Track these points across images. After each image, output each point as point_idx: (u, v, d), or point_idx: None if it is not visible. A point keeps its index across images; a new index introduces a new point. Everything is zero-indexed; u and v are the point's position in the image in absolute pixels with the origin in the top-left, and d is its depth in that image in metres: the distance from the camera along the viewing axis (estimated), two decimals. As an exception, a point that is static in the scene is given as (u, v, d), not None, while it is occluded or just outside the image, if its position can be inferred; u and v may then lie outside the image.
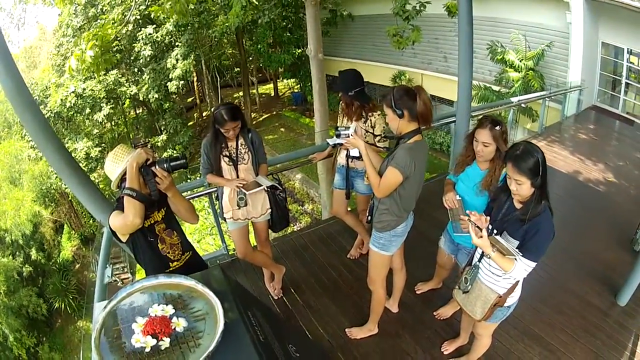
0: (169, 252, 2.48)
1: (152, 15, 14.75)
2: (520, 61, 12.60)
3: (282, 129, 22.49)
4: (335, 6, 18.69)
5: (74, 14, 19.32)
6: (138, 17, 17.64)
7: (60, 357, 16.73)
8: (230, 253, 4.67)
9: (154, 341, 1.47)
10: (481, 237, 2.20)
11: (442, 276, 3.75)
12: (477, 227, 2.23)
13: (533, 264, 2.18)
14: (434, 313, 3.59)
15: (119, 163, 2.28)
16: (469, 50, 4.81)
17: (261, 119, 25.20)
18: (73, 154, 17.73)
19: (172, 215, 2.57)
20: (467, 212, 2.31)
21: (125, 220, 2.17)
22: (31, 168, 19.02)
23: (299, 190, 17.05)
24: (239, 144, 3.32)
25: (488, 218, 2.26)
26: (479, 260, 2.49)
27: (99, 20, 16.92)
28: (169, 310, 1.58)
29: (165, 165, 2.30)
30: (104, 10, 18.35)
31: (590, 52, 12.10)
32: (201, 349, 1.42)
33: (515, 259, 2.16)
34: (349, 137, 2.86)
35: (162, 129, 20.90)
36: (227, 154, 3.31)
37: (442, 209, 3.02)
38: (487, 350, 2.93)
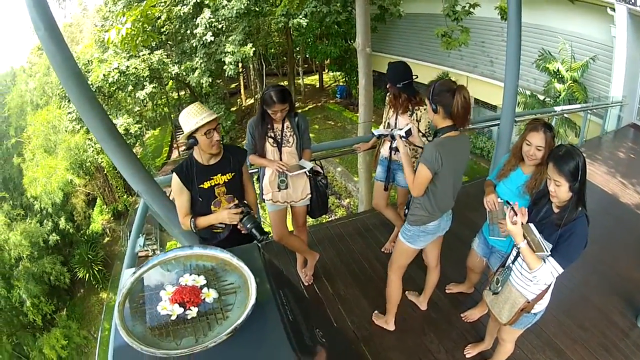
0: None
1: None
2: (567, 71, 12.31)
3: (326, 121, 22.67)
4: (389, 4, 18.54)
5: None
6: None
7: (77, 326, 17.10)
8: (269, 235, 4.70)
9: (181, 310, 1.44)
10: (515, 223, 2.20)
11: (473, 280, 3.70)
12: (514, 212, 2.24)
13: (561, 269, 2.16)
14: (461, 315, 3.56)
15: (186, 123, 2.45)
16: (516, 55, 4.70)
17: (305, 109, 25.49)
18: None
19: (240, 184, 2.78)
20: (510, 202, 2.30)
21: (180, 219, 2.67)
22: (67, 139, 19.43)
23: (338, 183, 17.21)
24: (285, 127, 3.32)
25: (526, 211, 2.26)
26: (512, 263, 2.45)
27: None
28: (201, 280, 1.55)
29: (247, 226, 2.47)
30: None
31: (633, 68, 11.78)
32: (229, 322, 1.39)
33: (544, 260, 2.15)
34: (404, 137, 2.96)
35: None
36: (272, 135, 3.32)
37: (478, 212, 3.01)
38: (508, 358, 2.90)
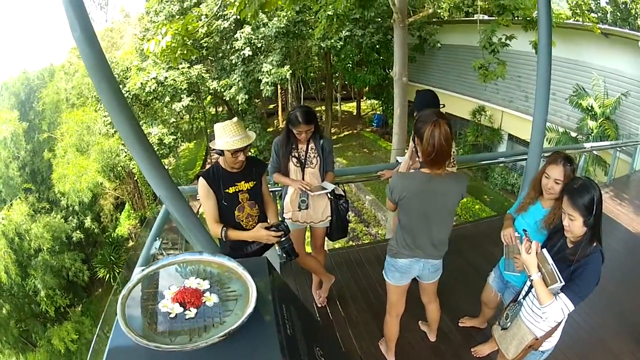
0: (242, 221, 2.83)
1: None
2: (600, 108, 12.15)
3: (361, 148, 22.86)
4: (427, 35, 18.71)
5: (168, 1, 20.23)
6: (237, 15, 18.29)
7: (91, 323, 17.30)
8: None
9: (181, 309, 1.49)
10: (529, 252, 2.18)
11: (487, 315, 3.63)
12: (530, 242, 2.21)
13: (572, 306, 2.11)
14: (472, 349, 3.49)
15: (220, 136, 2.59)
16: (546, 89, 4.67)
17: (341, 135, 25.85)
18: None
19: (260, 193, 2.95)
20: (521, 235, 2.29)
21: (208, 223, 2.80)
22: (101, 142, 19.89)
23: (367, 211, 17.31)
24: (309, 148, 3.39)
25: (539, 244, 2.23)
26: (524, 298, 2.42)
27: (193, 12, 17.61)
28: (205, 285, 1.60)
29: (285, 246, 2.74)
30: (200, 3, 19.09)
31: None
32: (224, 326, 1.42)
33: (555, 296, 2.10)
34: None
35: None
36: (297, 155, 3.39)
37: (499, 246, 2.95)
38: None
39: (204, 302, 1.53)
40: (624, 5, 19.80)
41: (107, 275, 18.48)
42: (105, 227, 21.80)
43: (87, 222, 19.94)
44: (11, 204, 18.11)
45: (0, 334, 16.02)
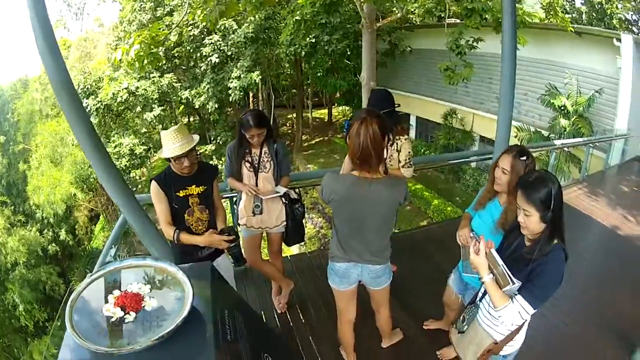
0: (192, 225, 2.84)
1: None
2: (572, 106, 12.42)
3: (332, 155, 22.82)
4: (396, 40, 18.91)
5: (140, 10, 20.16)
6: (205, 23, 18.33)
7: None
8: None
9: (122, 313, 1.53)
10: (478, 253, 2.06)
11: (451, 317, 3.48)
12: (478, 242, 2.08)
13: (530, 309, 1.95)
14: (437, 352, 3.41)
15: (165, 144, 2.64)
16: (510, 87, 4.75)
17: (312, 142, 25.73)
18: (118, 149, 18.52)
19: (211, 198, 2.95)
20: (476, 235, 2.17)
21: (163, 226, 2.77)
22: (74, 153, 19.68)
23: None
24: (263, 152, 3.35)
25: (493, 243, 2.10)
26: (480, 300, 2.32)
27: (164, 21, 17.61)
28: (145, 289, 1.62)
29: (234, 251, 2.84)
30: (172, 12, 19.07)
31: (639, 99, 11.82)
32: (160, 329, 1.46)
33: (511, 299, 1.97)
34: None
35: (212, 138, 21.52)
36: (250, 160, 3.35)
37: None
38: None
39: (144, 307, 1.56)
40: (599, 6, 20.17)
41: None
42: (80, 239, 21.47)
43: (62, 234, 19.67)
44: (-15, 219, 17.78)
45: (-16, 350, 15.74)
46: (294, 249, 7.11)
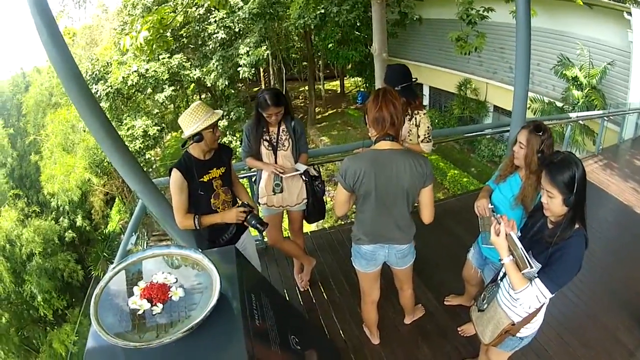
0: (219, 207, 2.82)
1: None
2: (585, 78, 12.14)
3: (345, 126, 22.77)
4: (406, 9, 18.55)
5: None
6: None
7: (89, 322, 17.19)
8: (265, 239, 4.64)
9: (149, 305, 1.50)
10: (498, 234, 2.03)
11: (471, 293, 3.50)
12: (499, 223, 2.04)
13: (548, 293, 1.93)
14: (458, 329, 3.42)
15: (194, 121, 2.57)
16: (526, 59, 4.63)
17: (326, 114, 25.65)
18: (131, 131, 18.58)
19: (230, 177, 2.94)
20: (497, 215, 2.12)
21: (177, 217, 2.71)
22: (86, 139, 19.71)
23: None
24: (281, 130, 3.33)
25: (515, 223, 2.08)
26: (501, 280, 2.29)
27: (170, 3, 17.40)
28: (171, 279, 1.59)
29: (252, 222, 2.75)
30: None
31: (651, 73, 11.46)
32: (189, 320, 1.43)
33: (530, 281, 1.95)
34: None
35: (225, 115, 21.29)
36: (268, 138, 3.33)
37: (485, 220, 2.84)
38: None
39: (170, 297, 1.54)
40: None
41: (102, 273, 18.38)
42: (97, 224, 21.60)
43: (79, 220, 19.75)
44: (-1, 212, 17.95)
45: (2, 344, 15.93)
46: (313, 226, 7.09)
